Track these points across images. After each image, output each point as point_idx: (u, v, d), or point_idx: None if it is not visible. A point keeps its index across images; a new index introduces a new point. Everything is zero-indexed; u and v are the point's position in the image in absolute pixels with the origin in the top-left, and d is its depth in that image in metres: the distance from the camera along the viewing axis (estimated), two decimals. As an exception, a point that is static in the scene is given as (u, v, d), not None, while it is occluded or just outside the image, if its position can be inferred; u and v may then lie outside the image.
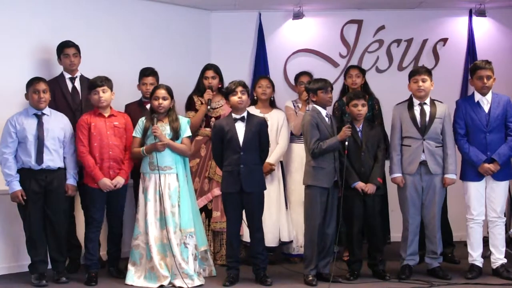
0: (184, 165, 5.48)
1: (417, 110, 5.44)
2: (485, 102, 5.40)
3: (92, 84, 5.45)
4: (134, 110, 5.94)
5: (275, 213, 6.03)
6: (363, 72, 6.32)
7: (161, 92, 5.39)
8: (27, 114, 5.38)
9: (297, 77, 6.38)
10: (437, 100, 5.81)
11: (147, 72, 6.04)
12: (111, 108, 5.53)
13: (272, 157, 5.87)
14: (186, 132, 5.47)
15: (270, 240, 5.86)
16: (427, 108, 5.44)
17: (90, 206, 5.48)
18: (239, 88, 5.33)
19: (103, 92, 5.40)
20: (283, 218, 6.10)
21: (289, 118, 6.21)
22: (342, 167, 5.32)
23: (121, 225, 5.65)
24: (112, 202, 5.52)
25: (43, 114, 5.39)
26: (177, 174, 5.39)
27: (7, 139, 5.32)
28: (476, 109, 5.41)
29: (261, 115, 5.88)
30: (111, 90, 5.48)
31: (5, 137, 5.34)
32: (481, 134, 5.38)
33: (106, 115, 5.48)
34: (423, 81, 5.41)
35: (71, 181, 5.46)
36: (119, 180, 5.44)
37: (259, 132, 5.33)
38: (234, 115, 5.37)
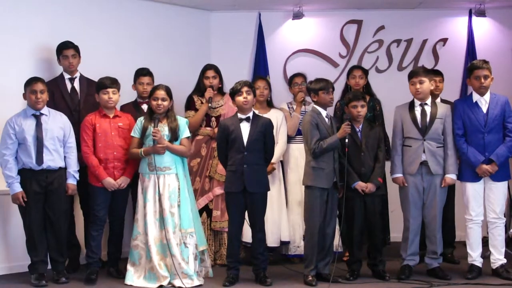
0: (183, 165, 5.49)
1: (418, 111, 5.44)
2: (483, 102, 5.39)
3: (102, 84, 5.48)
4: (129, 110, 5.93)
5: (276, 213, 6.04)
6: (366, 73, 6.32)
7: (161, 93, 5.39)
8: (25, 115, 5.38)
9: (291, 78, 6.37)
10: (447, 100, 5.80)
11: (144, 72, 6.04)
12: (115, 109, 5.56)
13: (273, 157, 5.86)
14: (184, 132, 5.47)
15: (271, 240, 5.87)
16: (428, 109, 5.43)
17: (94, 204, 5.50)
18: (245, 88, 5.34)
19: (113, 93, 5.46)
20: (283, 218, 6.11)
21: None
22: (342, 168, 5.32)
23: (122, 225, 5.67)
24: (115, 202, 5.54)
25: (42, 114, 5.39)
26: (176, 174, 5.40)
27: (6, 141, 5.32)
28: (474, 109, 5.40)
29: (259, 116, 5.89)
30: (119, 92, 5.52)
31: (5, 139, 5.34)
32: (479, 135, 5.37)
33: (111, 115, 5.51)
34: (420, 82, 5.40)
35: (71, 180, 5.47)
36: (124, 180, 5.48)
37: (264, 133, 5.34)
38: (239, 115, 5.38)
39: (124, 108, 6.02)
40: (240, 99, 5.34)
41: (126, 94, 6.06)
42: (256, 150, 5.31)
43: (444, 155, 5.41)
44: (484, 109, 5.38)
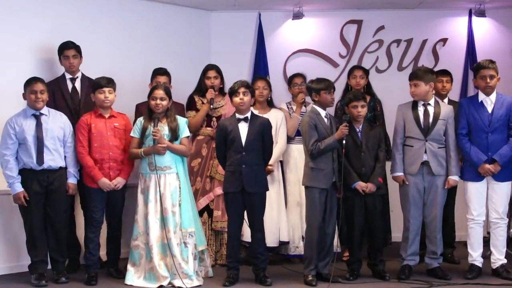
0: (183, 164, 5.49)
1: (420, 111, 5.43)
2: (489, 102, 5.38)
3: (98, 84, 5.47)
4: (145, 109, 5.92)
5: (275, 213, 6.04)
6: (366, 73, 6.32)
7: (159, 93, 5.39)
8: (25, 115, 5.38)
9: (291, 79, 6.36)
10: (455, 101, 5.78)
11: (161, 71, 6.08)
12: (111, 109, 5.54)
13: (272, 157, 5.86)
14: (184, 132, 5.47)
15: (270, 240, 5.86)
16: (430, 109, 5.42)
17: (90, 206, 5.49)
18: (241, 89, 5.33)
19: (109, 93, 5.45)
20: (283, 218, 6.11)
21: None
22: (341, 168, 5.32)
23: (119, 226, 5.64)
24: (111, 202, 5.52)
25: (42, 114, 5.39)
26: (177, 174, 5.40)
27: (7, 141, 5.32)
28: (480, 109, 5.39)
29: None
30: (115, 92, 5.51)
31: (5, 139, 5.34)
32: (483, 134, 5.37)
33: (107, 116, 5.49)
34: (415, 86, 5.39)
35: (71, 180, 5.47)
36: (120, 181, 5.46)
37: (262, 133, 5.34)
38: (237, 115, 5.38)
39: (140, 106, 6.03)
40: (236, 100, 5.34)
41: (127, 93, 6.07)
42: (254, 150, 5.31)
43: (446, 156, 5.40)
44: (489, 109, 5.37)
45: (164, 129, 5.39)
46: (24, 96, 5.41)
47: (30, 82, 5.37)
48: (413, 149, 5.41)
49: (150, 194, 5.33)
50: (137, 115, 5.97)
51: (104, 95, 5.43)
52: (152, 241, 5.27)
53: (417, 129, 5.39)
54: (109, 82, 5.47)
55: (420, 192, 5.43)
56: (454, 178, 5.40)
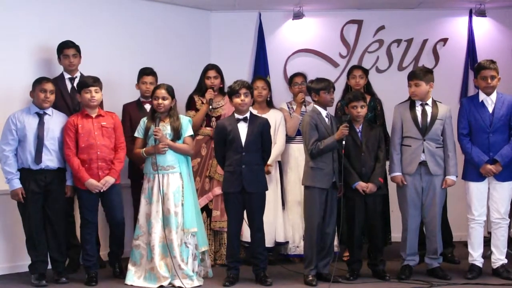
0: (187, 163, 5.48)
1: (418, 111, 5.43)
2: (490, 102, 5.38)
3: (84, 83, 5.42)
4: (132, 110, 5.96)
5: (272, 214, 6.02)
6: (366, 72, 6.31)
7: (161, 92, 5.39)
8: (28, 112, 5.37)
9: (291, 78, 6.35)
10: (439, 101, 5.79)
11: (147, 71, 6.06)
12: (99, 108, 5.49)
13: (270, 157, 5.85)
14: (187, 131, 5.46)
15: (266, 241, 5.84)
16: (428, 109, 5.42)
17: (82, 207, 5.45)
18: (243, 90, 5.32)
19: (96, 92, 5.39)
20: (279, 219, 6.10)
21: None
22: (341, 168, 5.32)
23: (120, 225, 5.57)
24: (106, 203, 5.47)
25: (45, 113, 5.38)
26: (180, 173, 5.39)
27: (7, 136, 5.31)
28: (480, 109, 5.39)
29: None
30: (101, 91, 5.46)
31: (6, 134, 5.32)
32: (484, 135, 5.36)
33: (94, 115, 5.43)
34: (416, 85, 5.39)
35: (70, 182, 5.45)
36: (108, 180, 5.37)
37: (261, 133, 5.33)
38: (237, 116, 5.37)
39: (127, 107, 6.03)
40: (237, 100, 5.33)
41: (126, 93, 6.06)
42: (254, 150, 5.31)
43: (444, 156, 5.40)
44: (490, 109, 5.37)
45: (166, 128, 5.38)
46: (31, 94, 5.39)
47: (42, 81, 5.36)
48: (410, 148, 5.41)
49: (153, 194, 5.33)
50: (124, 116, 5.97)
51: (90, 94, 5.36)
52: (154, 241, 5.26)
53: (415, 128, 5.39)
54: (95, 81, 5.41)
55: (418, 192, 5.42)
56: (451, 178, 5.40)
